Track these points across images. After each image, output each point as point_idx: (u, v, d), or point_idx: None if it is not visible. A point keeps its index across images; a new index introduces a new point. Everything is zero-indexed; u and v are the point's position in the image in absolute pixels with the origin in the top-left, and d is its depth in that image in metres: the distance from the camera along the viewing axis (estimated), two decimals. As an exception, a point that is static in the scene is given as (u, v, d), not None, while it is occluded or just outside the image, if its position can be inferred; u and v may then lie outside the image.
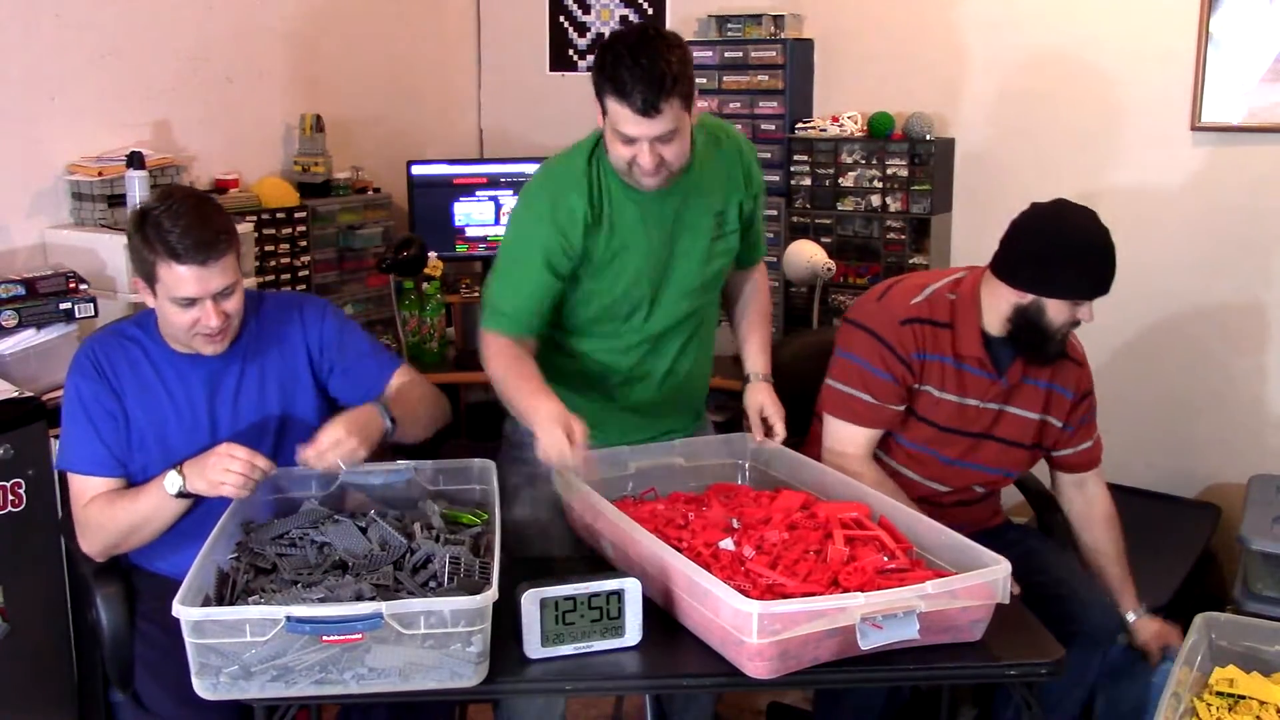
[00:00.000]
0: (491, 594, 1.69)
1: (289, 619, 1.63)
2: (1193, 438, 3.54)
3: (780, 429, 2.33)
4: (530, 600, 1.77)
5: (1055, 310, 2.26)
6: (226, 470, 1.96)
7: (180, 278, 2.02)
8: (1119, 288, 3.69)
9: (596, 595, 1.80)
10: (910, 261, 3.70)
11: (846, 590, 1.80)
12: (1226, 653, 2.09)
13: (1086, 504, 2.53)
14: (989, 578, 1.79)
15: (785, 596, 1.77)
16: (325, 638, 1.64)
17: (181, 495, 2.02)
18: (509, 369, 2.19)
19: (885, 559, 1.92)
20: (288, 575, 1.83)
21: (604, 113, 2.13)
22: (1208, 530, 3.29)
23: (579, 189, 2.22)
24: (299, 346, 2.25)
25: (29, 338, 2.86)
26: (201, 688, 1.68)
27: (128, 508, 2.10)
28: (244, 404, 2.21)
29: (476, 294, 4.04)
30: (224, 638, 1.65)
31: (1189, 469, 3.52)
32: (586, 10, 4.43)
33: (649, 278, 2.28)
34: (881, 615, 1.72)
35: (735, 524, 2.07)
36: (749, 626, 1.67)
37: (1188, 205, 3.47)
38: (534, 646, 1.79)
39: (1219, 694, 2.00)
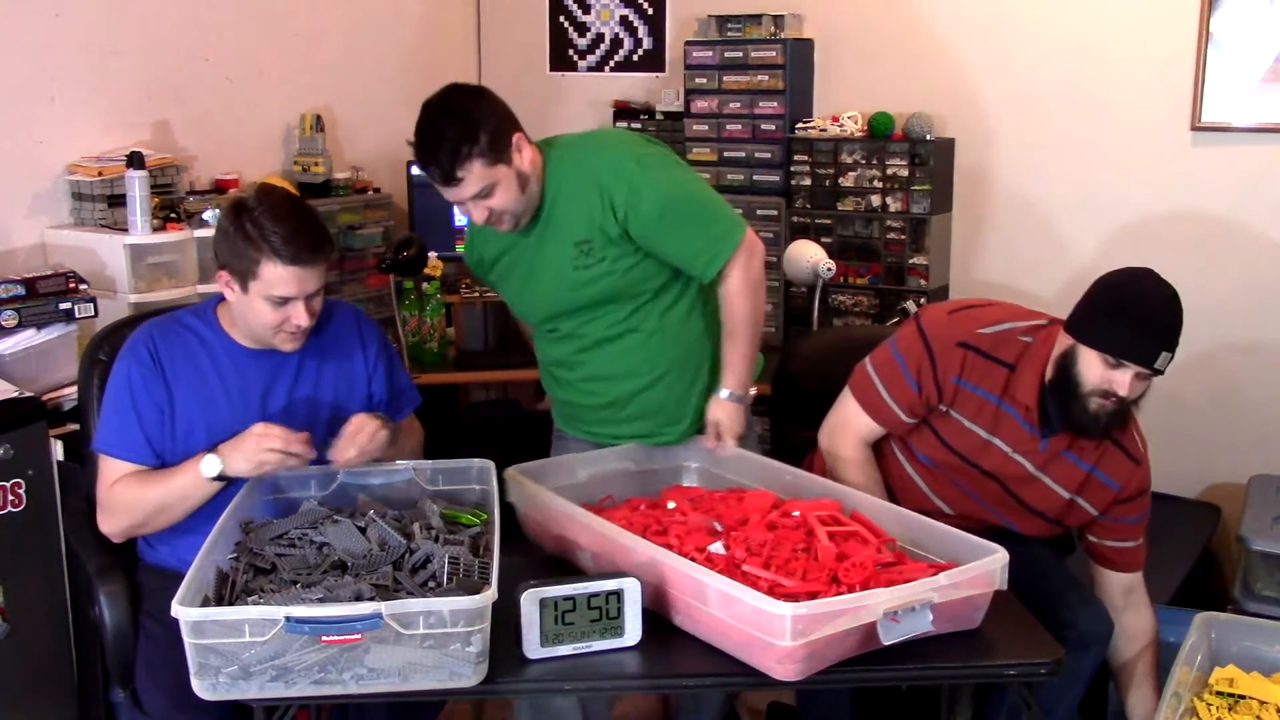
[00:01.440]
0: (491, 594, 1.69)
1: (288, 619, 1.63)
2: (1193, 438, 3.54)
3: (729, 444, 2.38)
4: (530, 600, 1.77)
5: (1087, 362, 2.14)
6: (268, 450, 2.02)
7: (282, 277, 2.06)
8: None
9: (596, 595, 1.80)
10: (910, 261, 3.70)
11: (850, 586, 1.82)
12: (1226, 653, 2.09)
13: (1134, 618, 2.37)
14: (991, 567, 1.84)
15: (792, 597, 1.77)
16: (324, 638, 1.64)
17: (220, 479, 2.06)
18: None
19: (880, 553, 1.94)
20: (287, 575, 1.83)
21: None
22: (1208, 530, 3.30)
23: (475, 231, 2.46)
24: (358, 361, 2.33)
25: (29, 338, 2.86)
26: (201, 688, 1.68)
27: (159, 487, 2.11)
28: (298, 401, 2.24)
29: (476, 294, 4.04)
30: (223, 638, 1.65)
31: (1189, 469, 3.52)
32: (586, 10, 4.43)
33: (523, 301, 2.48)
34: (900, 610, 1.75)
35: (718, 527, 2.07)
36: (781, 629, 1.67)
37: (1188, 205, 3.47)
38: (533, 646, 1.79)
39: (1219, 694, 2.01)
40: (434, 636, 1.68)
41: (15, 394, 2.68)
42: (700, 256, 2.32)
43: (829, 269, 3.59)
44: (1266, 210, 3.37)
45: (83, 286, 2.95)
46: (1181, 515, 3.34)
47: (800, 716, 2.83)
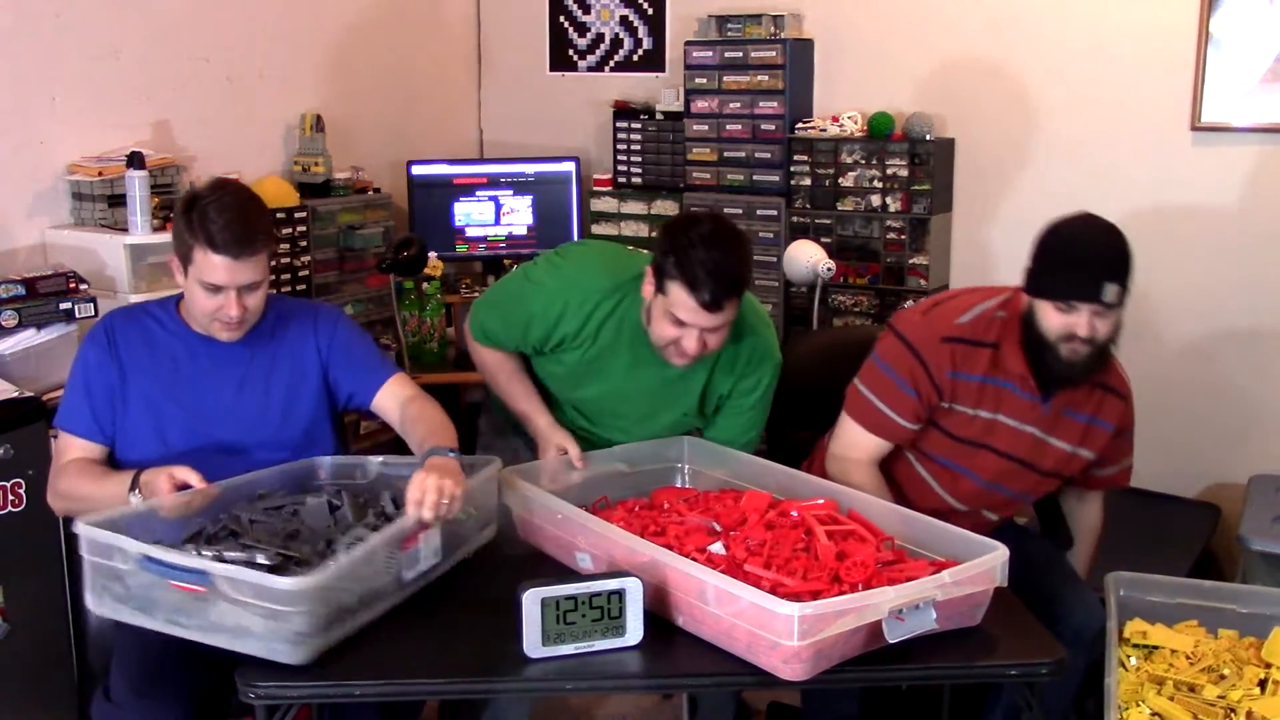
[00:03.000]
0: (299, 581, 1.73)
1: (144, 557, 1.81)
2: (1193, 438, 3.54)
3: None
4: (531, 600, 1.77)
5: (1044, 314, 2.19)
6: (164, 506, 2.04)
7: (213, 265, 2.13)
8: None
9: (598, 595, 1.80)
10: (910, 261, 3.71)
11: (852, 585, 1.83)
12: (1131, 607, 2.19)
13: (1083, 514, 2.53)
14: (992, 564, 1.86)
15: (795, 596, 1.78)
16: (172, 583, 1.79)
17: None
18: (509, 377, 2.52)
19: (880, 551, 1.95)
20: (247, 540, 1.92)
21: (658, 289, 2.25)
22: (1208, 530, 3.30)
23: (580, 315, 2.38)
24: (310, 344, 2.35)
25: (29, 338, 2.86)
26: (90, 601, 1.87)
27: (90, 492, 2.17)
28: (250, 388, 2.29)
29: (476, 294, 4.03)
30: (107, 560, 1.84)
31: (1189, 469, 3.52)
32: (586, 10, 4.43)
33: (607, 407, 2.48)
34: (904, 608, 1.76)
35: (717, 527, 2.08)
36: (788, 629, 1.67)
37: (1187, 205, 3.47)
38: (534, 646, 1.79)
39: (1135, 645, 2.11)
40: (265, 608, 1.74)
41: (15, 394, 2.68)
42: (740, 436, 2.49)
43: (829, 269, 3.59)
44: (1266, 210, 3.37)
45: (83, 286, 2.95)
46: (1181, 515, 3.34)
47: (803, 717, 2.84)
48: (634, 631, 1.83)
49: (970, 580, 1.84)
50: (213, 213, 2.12)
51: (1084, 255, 2.18)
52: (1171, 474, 3.51)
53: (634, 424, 2.49)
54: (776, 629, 1.69)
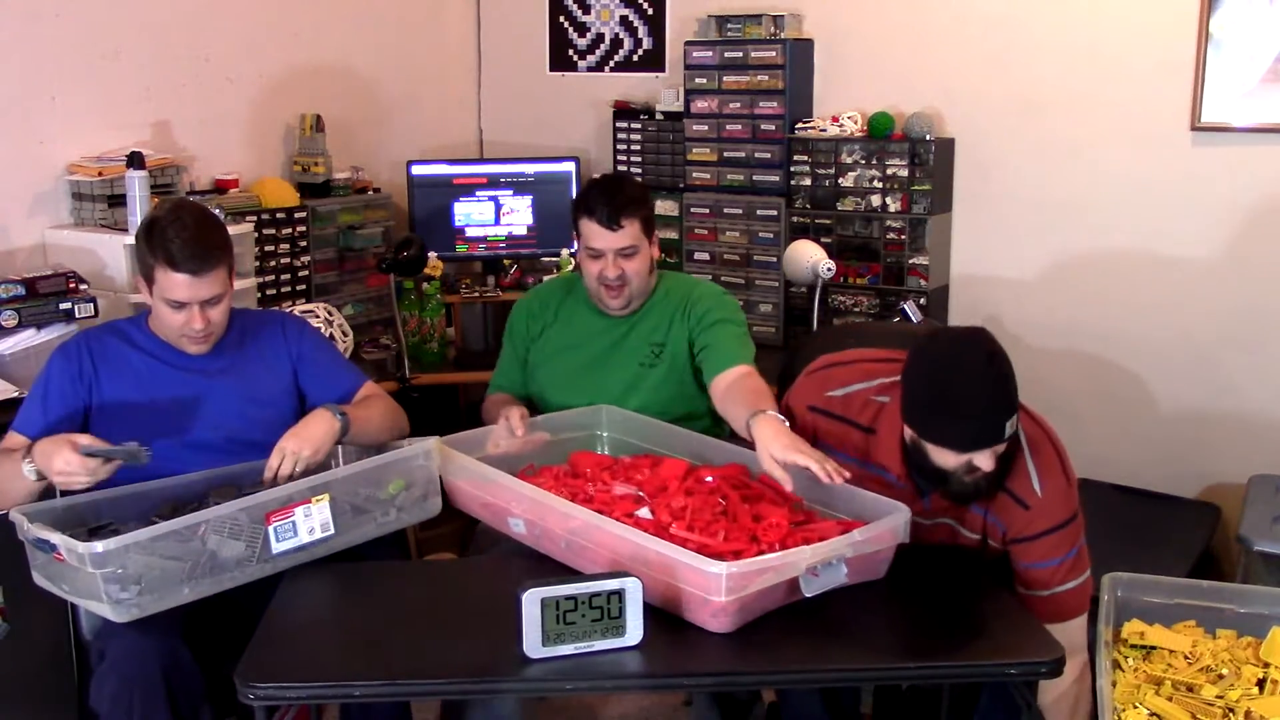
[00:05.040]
0: (88, 545, 1.91)
1: (36, 538, 2.02)
2: (1193, 438, 3.54)
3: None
4: (531, 600, 1.77)
5: (939, 454, 2.00)
6: (69, 471, 2.07)
7: (175, 283, 2.24)
8: (1119, 289, 3.70)
9: (597, 595, 1.80)
10: (910, 261, 3.71)
11: (770, 545, 1.94)
12: (1130, 607, 2.20)
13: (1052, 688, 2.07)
14: (895, 523, 1.99)
15: (717, 556, 1.86)
16: (55, 555, 1.99)
17: (41, 479, 2.14)
18: (495, 406, 2.66)
19: (792, 513, 2.08)
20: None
21: (576, 235, 2.66)
22: (1208, 530, 3.30)
23: (545, 297, 2.80)
24: (281, 350, 2.48)
25: (29, 338, 2.87)
26: (34, 577, 2.10)
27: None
28: (222, 392, 2.38)
29: (477, 294, 4.04)
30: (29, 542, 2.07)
31: (1189, 469, 3.52)
32: (586, 10, 4.43)
33: (578, 385, 2.66)
34: (819, 564, 1.87)
35: (641, 494, 2.16)
36: (717, 586, 1.79)
37: (1188, 205, 3.47)
38: (534, 646, 1.79)
39: (1133, 646, 2.13)
40: (83, 571, 1.95)
41: (15, 394, 2.68)
42: (727, 354, 2.58)
43: (829, 269, 3.59)
44: (1266, 210, 3.37)
45: (83, 286, 2.96)
46: (1181, 515, 3.34)
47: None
48: (634, 631, 1.83)
49: (878, 538, 1.96)
50: (171, 233, 2.23)
51: (975, 401, 1.95)
52: (1171, 474, 3.52)
53: (601, 384, 2.67)
54: (707, 586, 1.80)
